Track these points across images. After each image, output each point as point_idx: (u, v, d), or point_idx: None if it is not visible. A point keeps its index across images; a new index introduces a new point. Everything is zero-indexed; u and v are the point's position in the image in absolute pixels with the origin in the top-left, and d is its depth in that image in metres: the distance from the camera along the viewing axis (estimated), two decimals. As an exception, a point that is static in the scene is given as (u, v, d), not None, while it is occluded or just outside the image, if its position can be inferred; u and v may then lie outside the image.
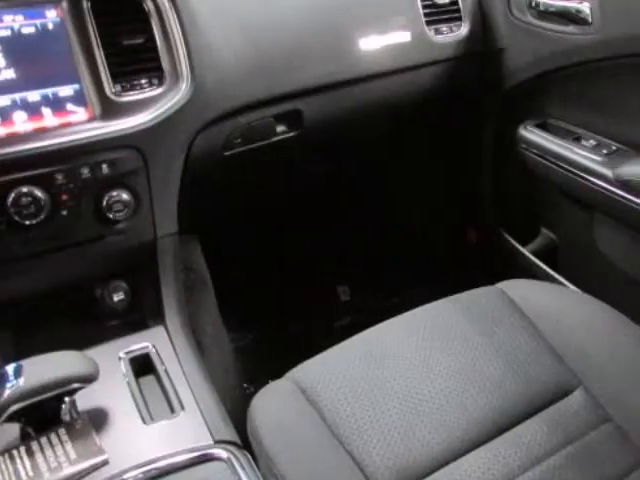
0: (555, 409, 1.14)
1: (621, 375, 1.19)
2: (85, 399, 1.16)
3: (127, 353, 1.33)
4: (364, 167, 2.34)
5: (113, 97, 1.22)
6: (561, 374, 1.20)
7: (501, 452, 1.07)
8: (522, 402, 1.15)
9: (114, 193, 1.25)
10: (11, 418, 1.06)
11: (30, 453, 1.06)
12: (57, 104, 1.19)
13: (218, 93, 1.36)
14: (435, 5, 1.68)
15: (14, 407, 1.04)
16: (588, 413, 1.13)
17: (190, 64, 1.28)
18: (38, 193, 1.17)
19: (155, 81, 1.26)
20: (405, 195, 2.50)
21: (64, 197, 1.22)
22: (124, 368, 1.29)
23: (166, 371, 1.29)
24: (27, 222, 1.18)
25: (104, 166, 1.22)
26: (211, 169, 1.51)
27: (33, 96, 1.17)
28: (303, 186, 2.17)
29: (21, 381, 1.05)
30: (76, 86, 1.20)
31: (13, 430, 1.10)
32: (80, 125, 1.20)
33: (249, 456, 1.14)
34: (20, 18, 1.15)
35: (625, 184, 1.47)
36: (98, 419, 1.17)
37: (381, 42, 1.58)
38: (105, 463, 1.08)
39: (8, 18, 1.15)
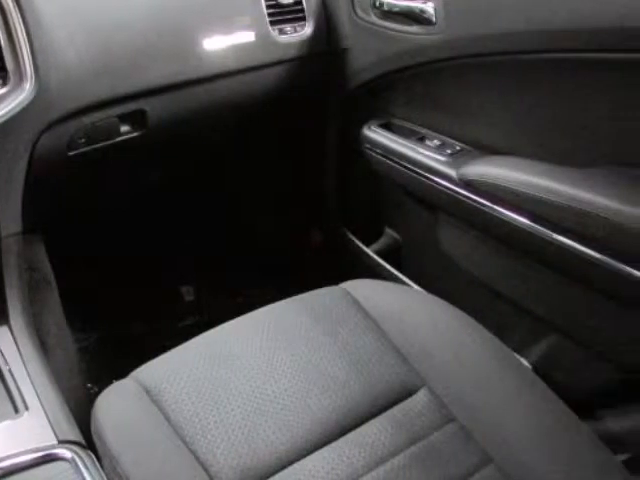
0: (399, 409, 1.15)
1: (464, 375, 1.20)
2: None
3: (-30, 354, 1.30)
4: (209, 167, 2.34)
5: (-43, 96, 1.20)
6: (405, 374, 1.21)
7: (345, 452, 1.07)
8: (366, 402, 1.15)
9: None
10: None
11: None
12: None
13: (62, 93, 1.35)
14: (279, 5, 1.70)
15: None
16: (432, 413, 1.14)
17: (34, 64, 1.27)
18: None
19: (-1, 81, 1.25)
20: (250, 195, 2.50)
21: None
22: (-33, 368, 1.28)
23: (10, 371, 1.28)
24: None
25: None
26: (55, 169, 1.49)
27: None
28: (147, 186, 2.16)
29: None
30: None
31: None
32: None
33: (93, 456, 1.14)
34: None
35: (468, 184, 1.50)
36: (-58, 419, 1.15)
37: (225, 42, 1.60)
38: (-52, 463, 1.07)
39: None
